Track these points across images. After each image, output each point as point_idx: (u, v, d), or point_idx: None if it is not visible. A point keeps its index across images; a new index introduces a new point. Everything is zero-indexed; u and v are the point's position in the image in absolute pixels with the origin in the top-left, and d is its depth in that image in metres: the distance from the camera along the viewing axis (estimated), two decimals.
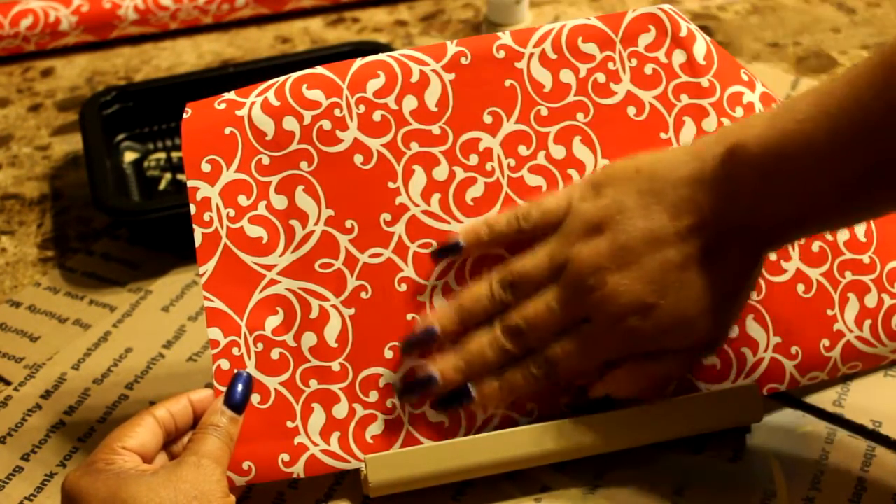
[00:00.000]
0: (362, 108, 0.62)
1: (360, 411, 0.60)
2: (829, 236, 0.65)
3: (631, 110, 0.64)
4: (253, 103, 0.61)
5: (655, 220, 0.56)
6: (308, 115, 0.61)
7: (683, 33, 0.64)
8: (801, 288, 0.64)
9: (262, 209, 0.61)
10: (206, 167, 0.61)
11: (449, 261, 0.61)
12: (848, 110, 0.51)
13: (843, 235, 0.65)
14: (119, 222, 0.79)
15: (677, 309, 0.56)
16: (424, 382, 0.59)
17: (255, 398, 0.59)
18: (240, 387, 0.58)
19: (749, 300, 0.63)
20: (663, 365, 0.59)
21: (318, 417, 0.60)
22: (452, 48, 0.63)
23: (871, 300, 0.65)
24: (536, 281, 0.59)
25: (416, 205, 0.62)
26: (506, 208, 0.62)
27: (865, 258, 0.65)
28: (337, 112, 0.62)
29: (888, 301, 0.65)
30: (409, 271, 0.61)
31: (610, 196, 0.57)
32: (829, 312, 0.64)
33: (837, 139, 0.52)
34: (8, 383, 0.69)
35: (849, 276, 0.65)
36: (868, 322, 0.65)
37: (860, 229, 0.65)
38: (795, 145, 0.53)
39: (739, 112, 0.64)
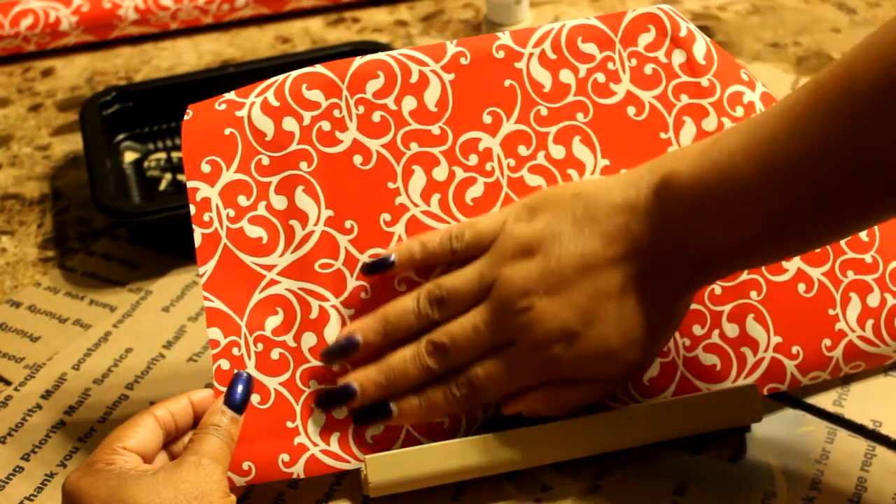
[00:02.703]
0: (361, 109, 0.62)
1: None
2: None
3: (631, 110, 0.64)
4: (252, 104, 0.61)
5: (588, 247, 0.56)
6: (307, 116, 0.61)
7: (683, 33, 0.64)
8: (802, 287, 0.64)
9: (261, 209, 0.61)
10: (205, 168, 0.61)
11: (444, 267, 0.61)
12: (776, 143, 0.52)
13: None
14: (119, 223, 0.79)
15: (602, 339, 0.56)
16: (342, 394, 0.59)
17: (255, 398, 0.59)
18: (240, 387, 0.58)
19: (749, 300, 0.63)
20: (581, 391, 0.59)
21: (318, 418, 0.60)
22: (452, 48, 0.63)
23: (873, 300, 0.65)
24: (464, 298, 0.58)
25: (416, 205, 0.62)
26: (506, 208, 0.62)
27: (868, 257, 0.65)
28: (336, 113, 0.62)
29: (891, 300, 0.65)
30: (408, 272, 0.61)
31: (545, 220, 0.57)
32: (831, 312, 0.64)
33: (766, 172, 0.52)
34: (8, 383, 0.69)
35: (851, 275, 0.65)
36: (871, 322, 0.65)
37: None
38: (725, 177, 0.53)
39: (740, 111, 0.64)
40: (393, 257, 0.60)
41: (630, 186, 0.56)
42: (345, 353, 0.59)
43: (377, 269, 0.60)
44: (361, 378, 0.59)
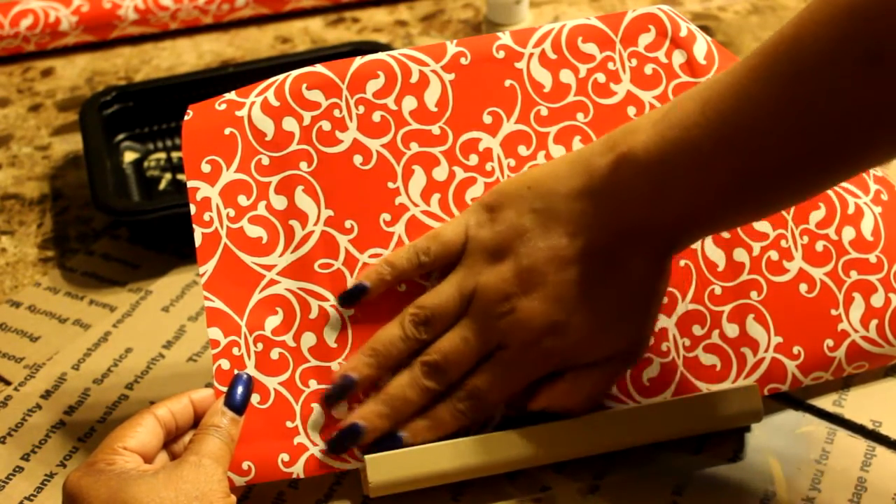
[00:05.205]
0: (362, 109, 0.62)
1: None
2: (833, 235, 0.64)
3: (631, 110, 0.64)
4: (252, 104, 0.61)
5: (554, 239, 0.56)
6: (308, 116, 0.61)
7: (683, 33, 0.64)
8: (803, 288, 0.64)
9: (261, 209, 0.61)
10: (206, 167, 0.61)
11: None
12: (727, 110, 0.52)
13: (848, 234, 0.65)
14: (119, 222, 0.79)
15: (589, 322, 0.57)
16: (351, 433, 0.59)
17: (254, 398, 0.59)
18: (240, 388, 0.58)
19: (749, 300, 0.63)
20: (597, 373, 0.59)
21: (317, 417, 0.60)
22: (452, 48, 0.63)
23: (877, 300, 0.65)
24: (448, 314, 0.59)
25: (416, 205, 0.62)
26: None
27: (872, 257, 0.65)
28: (336, 113, 0.62)
29: None
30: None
31: (506, 219, 0.58)
32: (834, 312, 0.64)
33: (719, 140, 0.52)
34: (8, 383, 0.69)
35: (854, 275, 0.65)
36: (875, 322, 0.64)
37: (867, 228, 0.65)
38: (680, 150, 0.53)
39: None
40: (366, 283, 0.60)
41: (585, 170, 0.56)
42: (344, 393, 0.59)
43: (353, 298, 0.60)
44: (366, 413, 0.59)
